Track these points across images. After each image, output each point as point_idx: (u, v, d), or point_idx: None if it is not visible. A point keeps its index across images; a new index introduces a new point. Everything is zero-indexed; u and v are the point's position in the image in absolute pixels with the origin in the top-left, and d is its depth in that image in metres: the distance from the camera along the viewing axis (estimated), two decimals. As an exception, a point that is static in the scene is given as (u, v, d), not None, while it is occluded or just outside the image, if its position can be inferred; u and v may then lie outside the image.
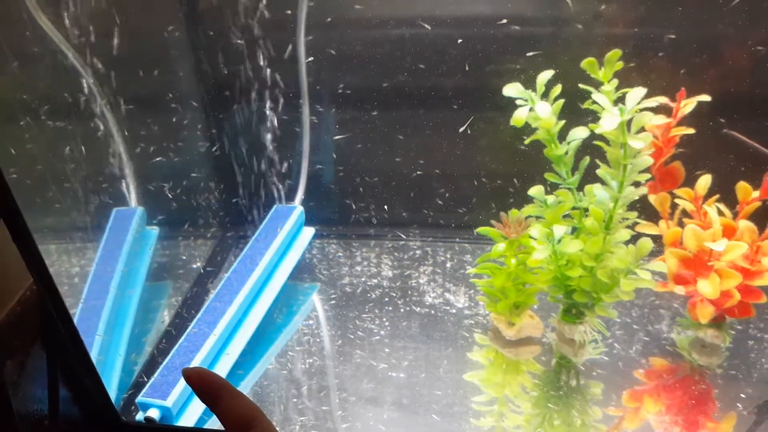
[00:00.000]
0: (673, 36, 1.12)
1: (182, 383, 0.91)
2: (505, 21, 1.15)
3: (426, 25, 1.17)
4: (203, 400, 0.44)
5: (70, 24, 1.13)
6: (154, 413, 0.88)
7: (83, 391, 0.80)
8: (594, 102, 0.86)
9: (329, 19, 1.19)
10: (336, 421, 0.91)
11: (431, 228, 1.35)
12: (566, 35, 1.15)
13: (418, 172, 1.30)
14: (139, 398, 0.90)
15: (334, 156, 1.31)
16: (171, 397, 0.89)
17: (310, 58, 1.21)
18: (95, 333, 0.98)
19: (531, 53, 1.15)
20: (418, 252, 1.32)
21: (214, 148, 1.32)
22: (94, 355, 0.95)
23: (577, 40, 1.14)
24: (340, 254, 1.33)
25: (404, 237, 1.36)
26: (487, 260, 1.00)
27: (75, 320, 1.00)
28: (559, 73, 0.92)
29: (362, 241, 1.36)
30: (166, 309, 1.17)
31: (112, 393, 0.96)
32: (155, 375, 0.93)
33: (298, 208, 1.23)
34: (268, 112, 1.26)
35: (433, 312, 1.13)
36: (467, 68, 1.19)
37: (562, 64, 1.06)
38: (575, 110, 0.92)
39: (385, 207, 1.35)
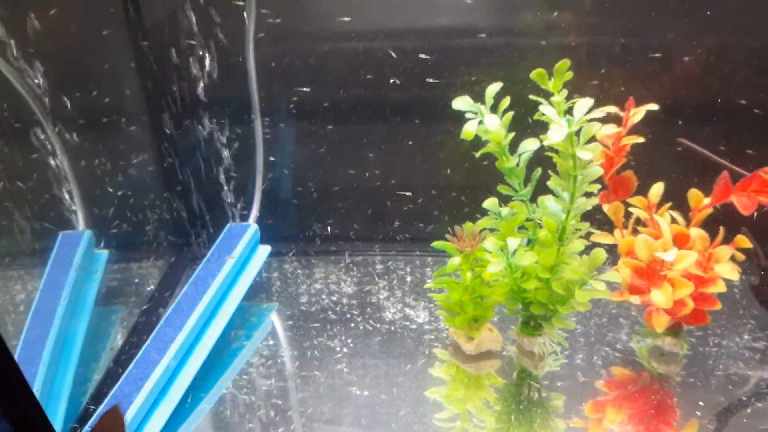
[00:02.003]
0: (624, 45, 1.12)
1: (131, 412, 0.88)
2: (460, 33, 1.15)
3: (381, 38, 1.16)
4: None
5: (11, 40, 1.09)
6: (101, 445, 0.85)
7: (25, 423, 0.76)
8: (543, 114, 0.85)
9: (281, 33, 1.17)
10: (294, 445, 0.89)
11: (391, 242, 1.34)
12: (521, 46, 1.15)
13: (376, 186, 1.28)
14: (86, 429, 0.86)
15: (290, 172, 1.29)
16: (119, 427, 0.86)
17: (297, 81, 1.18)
18: (39, 363, 0.94)
19: (486, 65, 1.15)
20: (378, 267, 1.30)
21: (165, 167, 1.29)
22: (37, 385, 0.91)
23: (532, 50, 1.14)
24: (299, 272, 1.31)
25: (364, 253, 1.34)
26: (443, 274, 0.99)
27: (18, 350, 0.97)
28: (515, 84, 0.91)
29: (321, 258, 1.34)
30: (117, 335, 1.13)
31: (58, 424, 0.92)
32: (102, 405, 0.90)
33: (252, 227, 1.20)
34: (219, 129, 1.23)
35: (393, 328, 1.11)
36: (423, 81, 1.19)
37: (518, 74, 1.06)
38: (532, 122, 0.92)
39: (344, 222, 1.33)
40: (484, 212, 0.98)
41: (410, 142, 1.25)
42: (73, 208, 1.22)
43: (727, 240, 0.94)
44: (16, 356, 0.93)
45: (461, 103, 0.89)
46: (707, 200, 0.95)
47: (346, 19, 1.16)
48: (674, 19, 1.10)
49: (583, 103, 0.82)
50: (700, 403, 0.92)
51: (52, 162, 1.20)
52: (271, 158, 1.26)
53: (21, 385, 0.73)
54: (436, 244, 0.97)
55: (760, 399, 0.93)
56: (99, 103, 1.20)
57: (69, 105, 1.17)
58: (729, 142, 1.11)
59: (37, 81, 1.14)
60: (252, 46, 1.14)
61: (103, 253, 1.22)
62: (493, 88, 0.89)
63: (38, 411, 0.77)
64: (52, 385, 0.96)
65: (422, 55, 1.16)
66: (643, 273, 0.91)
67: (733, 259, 0.93)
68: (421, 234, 1.31)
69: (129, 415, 0.87)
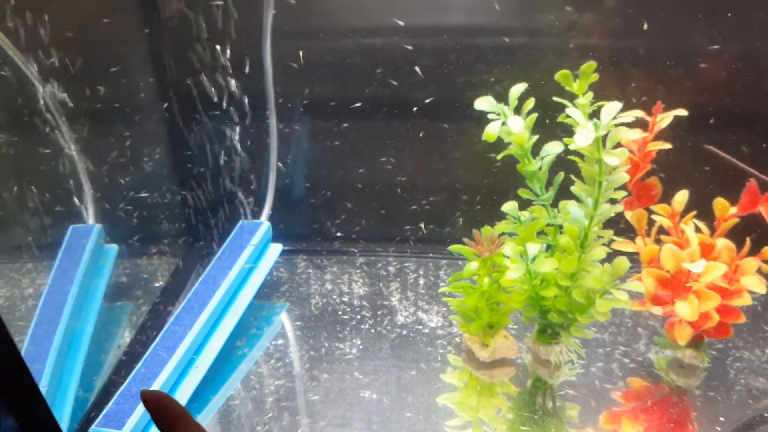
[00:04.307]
0: (650, 48, 1.10)
1: (139, 412, 0.86)
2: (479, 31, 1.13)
3: (399, 35, 1.14)
4: (158, 426, 0.43)
5: (23, 31, 1.07)
6: (107, 444, 0.83)
7: (31, 421, 0.75)
8: (568, 116, 0.83)
9: (298, 28, 1.15)
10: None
11: (404, 244, 1.32)
12: (542, 46, 1.12)
13: (391, 186, 1.26)
14: (93, 428, 0.85)
15: (304, 169, 1.27)
16: (127, 426, 0.84)
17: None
18: (46, 359, 0.93)
19: (506, 65, 1.13)
20: (390, 269, 1.28)
21: (178, 161, 1.27)
22: (44, 382, 0.90)
23: (552, 51, 1.12)
24: (310, 271, 1.29)
25: (376, 253, 1.32)
26: (459, 279, 0.97)
27: (25, 345, 0.96)
28: (535, 86, 0.89)
29: (333, 258, 1.32)
30: (125, 332, 1.12)
31: (65, 423, 0.90)
32: (110, 403, 0.88)
33: (264, 224, 1.18)
34: (233, 124, 1.22)
35: (405, 332, 1.09)
36: (441, 79, 1.17)
37: (538, 75, 1.04)
38: (551, 123, 0.89)
39: (357, 222, 1.31)
40: (500, 215, 0.96)
41: (426, 142, 1.23)
42: (83, 201, 1.21)
43: (754, 252, 0.91)
44: (23, 352, 0.92)
45: (484, 103, 0.87)
46: (733, 209, 0.92)
47: (363, 15, 1.14)
48: (699, 24, 1.08)
49: (611, 107, 0.79)
50: (720, 418, 0.90)
51: (63, 155, 1.18)
52: (280, 164, 1.24)
53: (27, 383, 0.71)
54: (454, 248, 0.95)
55: (782, 415, 0.91)
56: (111, 95, 1.18)
57: (80, 97, 1.15)
58: (753, 148, 1.09)
59: (47, 72, 1.12)
60: (269, 41, 1.13)
61: (113, 248, 1.20)
62: (518, 89, 0.86)
63: (44, 409, 0.75)
64: (59, 383, 0.95)
65: (417, 68, 1.15)
66: (668, 283, 0.89)
67: (759, 271, 0.90)
68: (435, 236, 1.29)
69: (137, 415, 0.86)
